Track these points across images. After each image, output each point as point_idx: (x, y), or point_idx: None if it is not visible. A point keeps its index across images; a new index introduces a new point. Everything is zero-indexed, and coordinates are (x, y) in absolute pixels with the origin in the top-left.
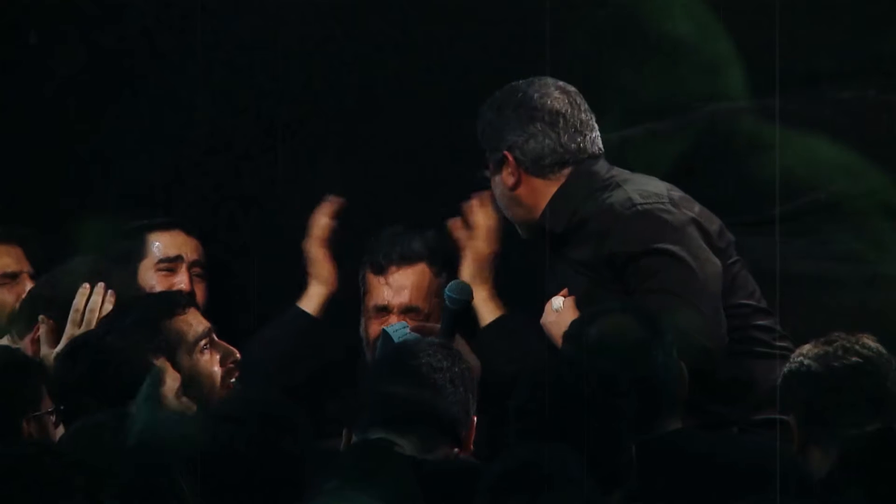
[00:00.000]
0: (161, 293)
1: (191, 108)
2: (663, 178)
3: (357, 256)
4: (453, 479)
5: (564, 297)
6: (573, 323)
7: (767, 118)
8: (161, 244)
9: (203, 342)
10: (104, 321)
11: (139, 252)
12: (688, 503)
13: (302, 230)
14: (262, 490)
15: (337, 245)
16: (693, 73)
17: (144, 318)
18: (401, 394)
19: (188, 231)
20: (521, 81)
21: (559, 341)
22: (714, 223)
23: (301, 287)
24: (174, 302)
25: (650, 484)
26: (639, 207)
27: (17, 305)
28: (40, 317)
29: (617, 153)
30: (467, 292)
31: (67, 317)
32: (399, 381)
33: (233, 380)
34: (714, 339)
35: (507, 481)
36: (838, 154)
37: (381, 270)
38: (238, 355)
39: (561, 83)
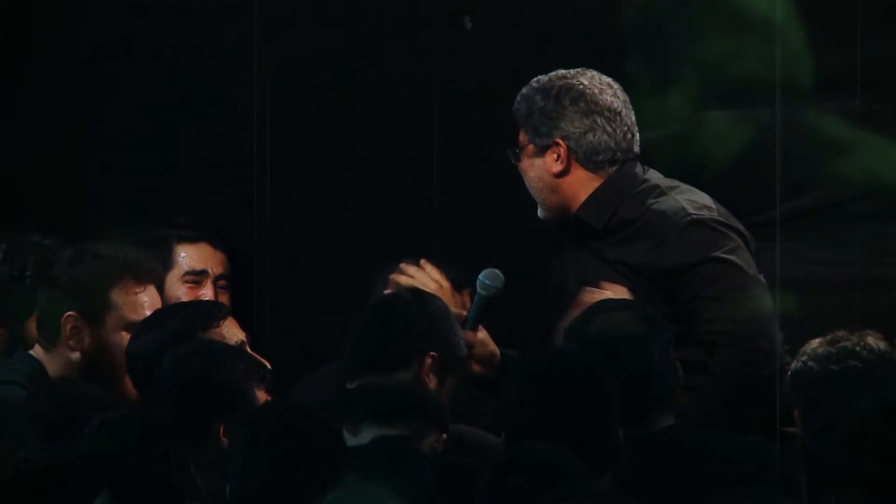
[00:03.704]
0: (198, 303)
1: (202, 112)
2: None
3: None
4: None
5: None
6: (575, 319)
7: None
8: (188, 256)
9: None
10: (140, 327)
11: (166, 262)
12: (679, 499)
13: (308, 237)
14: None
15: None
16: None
17: (180, 328)
18: (383, 387)
19: (214, 244)
20: (570, 72)
21: None
22: (753, 241)
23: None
24: (210, 314)
25: (642, 479)
26: (693, 217)
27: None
28: (67, 314)
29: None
30: (500, 280)
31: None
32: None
33: None
34: (772, 343)
35: (500, 477)
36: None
37: None
38: (269, 367)
39: (609, 79)
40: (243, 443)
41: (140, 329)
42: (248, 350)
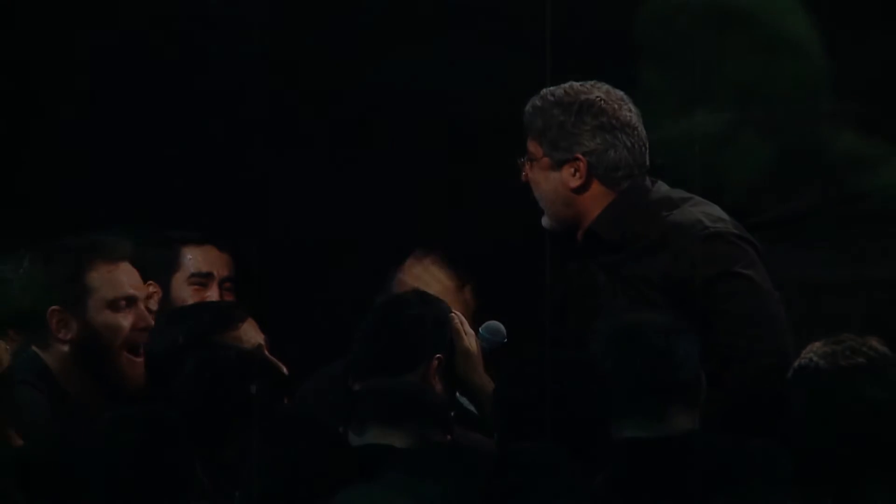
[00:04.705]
0: (218, 304)
1: (202, 112)
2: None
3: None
4: None
5: None
6: (606, 317)
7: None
8: (194, 258)
9: None
10: (157, 326)
11: (173, 264)
12: (685, 500)
13: (309, 237)
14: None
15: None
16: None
17: (199, 329)
18: (390, 388)
19: (220, 247)
20: (585, 85)
21: None
22: (762, 251)
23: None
24: (229, 316)
25: (655, 482)
26: (711, 230)
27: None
28: (51, 309)
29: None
30: (501, 335)
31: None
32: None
33: None
34: (786, 359)
35: (496, 477)
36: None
37: None
38: (285, 371)
39: (621, 92)
40: (255, 447)
41: (157, 328)
42: (266, 353)
